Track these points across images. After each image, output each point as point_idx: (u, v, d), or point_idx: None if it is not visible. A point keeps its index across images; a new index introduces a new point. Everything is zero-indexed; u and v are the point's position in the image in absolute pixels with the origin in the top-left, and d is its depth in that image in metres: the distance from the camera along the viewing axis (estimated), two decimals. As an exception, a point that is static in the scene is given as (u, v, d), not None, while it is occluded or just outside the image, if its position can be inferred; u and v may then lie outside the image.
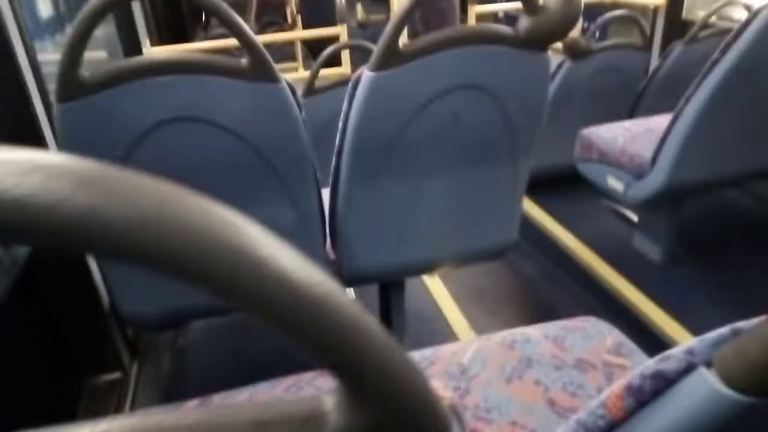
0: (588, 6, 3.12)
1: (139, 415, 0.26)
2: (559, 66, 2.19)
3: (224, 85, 1.07)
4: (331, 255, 1.40)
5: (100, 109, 1.02)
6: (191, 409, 0.27)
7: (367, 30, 5.19)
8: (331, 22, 6.44)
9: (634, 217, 2.16)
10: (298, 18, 4.52)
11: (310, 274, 0.22)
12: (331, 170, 1.29)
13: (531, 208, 2.35)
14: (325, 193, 1.33)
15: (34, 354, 1.38)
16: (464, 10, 4.23)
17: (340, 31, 2.88)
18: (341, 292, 0.23)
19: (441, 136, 1.22)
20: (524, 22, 1.12)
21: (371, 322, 0.23)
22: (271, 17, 5.59)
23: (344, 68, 2.96)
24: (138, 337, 1.68)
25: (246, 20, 5.52)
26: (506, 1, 3.31)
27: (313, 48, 4.98)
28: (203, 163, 1.13)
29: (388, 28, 1.08)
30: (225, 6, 1.06)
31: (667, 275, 1.91)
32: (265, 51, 1.07)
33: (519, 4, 1.16)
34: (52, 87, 1.16)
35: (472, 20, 3.31)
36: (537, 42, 1.14)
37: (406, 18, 1.09)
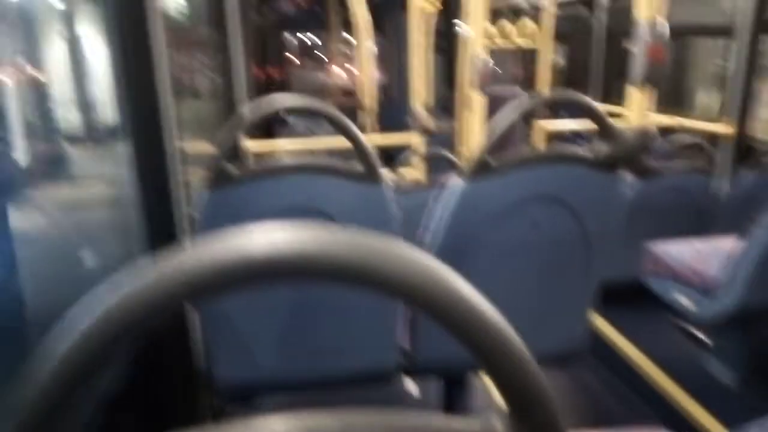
0: (657, 129, 3.28)
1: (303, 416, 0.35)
2: (628, 183, 2.32)
3: (339, 184, 1.25)
4: (403, 343, 1.49)
5: (239, 198, 1.22)
6: (361, 415, 0.37)
7: (435, 136, 5.54)
8: (401, 127, 6.88)
9: (704, 336, 2.14)
10: (375, 126, 4.91)
11: (506, 327, 0.34)
12: None
13: (598, 320, 2.36)
14: None
15: (122, 402, 1.49)
16: (528, 124, 4.50)
17: (414, 138, 3.14)
18: (520, 343, 0.35)
19: (519, 242, 1.34)
20: (600, 146, 1.27)
21: (535, 365, 0.35)
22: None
23: (417, 172, 3.19)
24: (223, 404, 1.77)
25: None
26: (570, 117, 3.53)
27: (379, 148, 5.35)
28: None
29: (484, 144, 1.25)
30: (342, 116, 1.28)
31: (741, 399, 1.86)
32: (375, 157, 1.26)
33: (586, 124, 1.32)
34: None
35: (539, 136, 3.54)
36: (611, 164, 1.28)
37: (502, 137, 1.25)
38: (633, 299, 2.25)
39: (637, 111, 1.22)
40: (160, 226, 1.34)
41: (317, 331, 1.35)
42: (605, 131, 1.25)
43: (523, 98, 1.27)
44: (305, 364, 1.40)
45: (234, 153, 1.21)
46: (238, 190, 1.22)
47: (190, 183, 1.46)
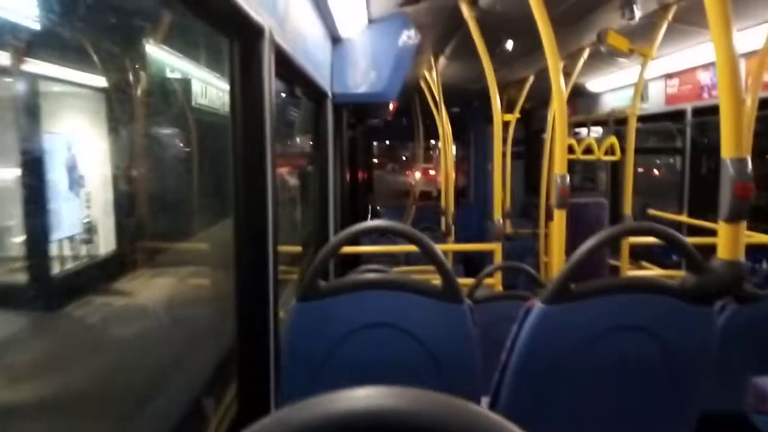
0: (755, 247, 3.10)
1: None
2: (723, 308, 2.18)
3: (419, 300, 1.30)
4: None
5: (325, 310, 1.30)
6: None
7: (514, 242, 5.53)
8: (477, 230, 6.86)
9: None
10: (453, 228, 4.99)
11: None
12: (493, 383, 1.40)
13: None
14: (484, 401, 1.43)
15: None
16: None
17: (495, 248, 3.17)
18: None
19: (605, 372, 1.30)
20: (690, 279, 1.25)
21: None
22: (427, 224, 6.25)
23: (495, 281, 3.18)
24: None
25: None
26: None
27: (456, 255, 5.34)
28: (388, 361, 1.33)
29: (565, 268, 1.26)
30: (426, 237, 1.36)
31: None
32: (454, 276, 1.31)
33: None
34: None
35: (624, 250, 3.44)
36: (702, 298, 1.24)
37: (585, 260, 1.26)
38: None
39: (727, 245, 1.21)
40: (252, 326, 1.44)
41: None
42: (693, 264, 1.23)
43: (608, 229, 1.30)
44: None
45: (325, 270, 1.31)
46: (325, 303, 1.30)
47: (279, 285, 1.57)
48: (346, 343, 1.32)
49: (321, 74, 2.62)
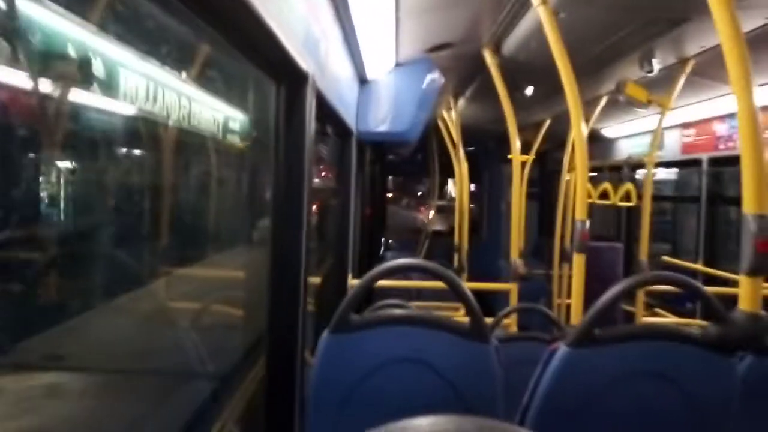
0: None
1: None
2: (741, 359, 2.19)
3: (446, 338, 1.35)
4: None
5: (353, 343, 1.35)
6: None
7: (528, 282, 5.53)
8: (490, 267, 6.85)
9: None
10: (466, 266, 5.02)
11: None
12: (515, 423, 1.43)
13: None
14: None
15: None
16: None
17: (512, 288, 3.20)
18: None
19: (624, 418, 1.32)
20: (712, 329, 1.28)
21: None
22: (439, 260, 6.28)
23: (511, 321, 3.20)
24: None
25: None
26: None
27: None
28: (413, 397, 1.36)
29: (591, 313, 1.30)
30: (457, 278, 1.41)
31: None
32: (482, 316, 1.35)
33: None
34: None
35: (640, 295, 3.46)
36: (724, 348, 1.27)
37: (609, 306, 1.30)
38: None
39: (748, 297, 1.25)
40: (282, 349, 1.48)
41: None
42: (716, 315, 1.27)
43: (635, 277, 1.34)
44: None
45: (359, 303, 1.36)
46: (355, 336, 1.34)
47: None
48: (373, 376, 1.36)
49: (348, 113, 2.72)
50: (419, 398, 1.36)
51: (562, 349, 1.33)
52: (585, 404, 1.31)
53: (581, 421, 1.32)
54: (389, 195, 11.04)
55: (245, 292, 2.03)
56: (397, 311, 1.39)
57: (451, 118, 4.79)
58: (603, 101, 3.93)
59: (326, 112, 2.14)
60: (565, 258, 4.70)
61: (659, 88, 3.24)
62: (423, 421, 0.43)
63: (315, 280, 3.27)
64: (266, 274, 1.54)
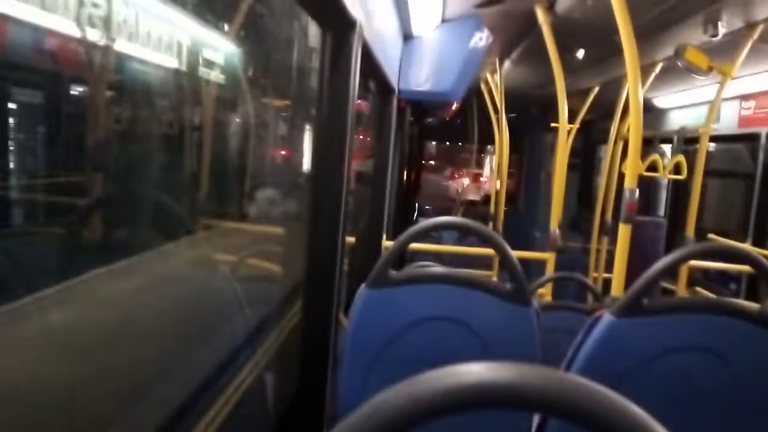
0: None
1: None
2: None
3: (486, 299, 1.32)
4: None
5: (391, 298, 1.34)
6: None
7: (563, 255, 5.44)
8: (525, 239, 6.77)
9: None
10: (501, 234, 4.96)
11: None
12: None
13: None
14: (535, 419, 1.43)
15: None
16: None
17: (549, 257, 3.13)
18: None
19: (666, 391, 1.28)
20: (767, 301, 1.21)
21: None
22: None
23: (546, 290, 3.15)
24: None
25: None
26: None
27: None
28: (447, 355, 1.34)
29: (641, 281, 1.24)
30: (500, 237, 1.37)
31: None
32: (524, 278, 1.32)
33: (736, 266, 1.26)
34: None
35: (683, 273, 3.35)
36: (781, 324, 1.21)
37: (660, 277, 1.25)
38: None
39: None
40: (320, 300, 1.48)
41: None
42: None
43: (691, 246, 1.27)
44: None
45: (397, 259, 1.34)
46: (393, 292, 1.33)
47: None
48: (408, 332, 1.35)
49: (391, 69, 2.65)
50: (455, 357, 1.34)
51: (606, 317, 1.29)
52: (627, 375, 1.27)
53: (621, 391, 1.28)
54: (424, 163, 10.93)
55: (283, 246, 2.05)
56: (438, 268, 1.37)
57: (495, 81, 4.64)
58: (658, 68, 3.73)
59: (370, 66, 2.08)
60: (605, 231, 4.57)
61: (721, 55, 3.04)
62: (474, 367, 0.40)
63: (350, 239, 3.28)
64: (304, 227, 1.53)
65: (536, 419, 1.41)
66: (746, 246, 3.82)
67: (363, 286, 1.35)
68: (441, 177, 11.13)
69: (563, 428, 1.28)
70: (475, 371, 0.38)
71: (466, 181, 8.01)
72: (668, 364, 1.25)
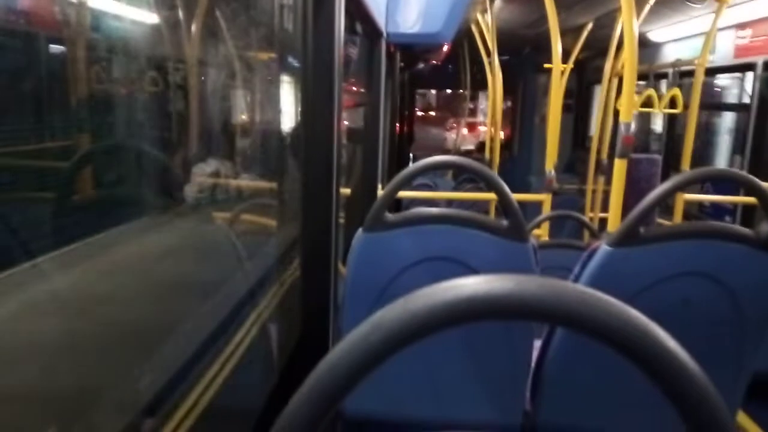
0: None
1: None
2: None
3: (483, 237, 1.32)
4: (526, 405, 1.49)
5: (388, 241, 1.33)
6: None
7: (559, 197, 5.45)
8: (522, 185, 6.76)
9: None
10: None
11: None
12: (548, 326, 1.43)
13: (742, 418, 2.13)
14: (537, 343, 1.46)
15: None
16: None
17: (545, 199, 3.14)
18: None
19: (667, 320, 1.30)
20: (765, 227, 1.22)
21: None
22: (470, 174, 6.20)
23: (543, 232, 3.16)
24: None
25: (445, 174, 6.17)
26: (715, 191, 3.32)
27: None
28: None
29: (638, 210, 1.24)
30: (495, 174, 1.36)
31: None
32: (521, 215, 1.31)
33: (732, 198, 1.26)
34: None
35: (678, 207, 3.36)
36: (777, 247, 1.21)
37: (655, 205, 1.24)
38: None
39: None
40: (318, 250, 1.49)
41: (451, 379, 1.40)
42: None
43: (688, 173, 1.27)
44: (431, 405, 1.44)
45: (392, 201, 1.33)
46: (390, 235, 1.33)
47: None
48: (406, 274, 1.35)
49: (378, 11, 2.56)
50: None
51: (603, 248, 1.29)
52: (625, 303, 1.28)
53: None
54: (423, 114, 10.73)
55: (278, 200, 2.03)
56: (433, 209, 1.36)
57: (486, 22, 4.51)
58: (652, 0, 3.62)
59: (355, 8, 2.01)
60: (601, 170, 4.57)
61: (717, -19, 2.95)
62: (470, 280, 0.39)
63: (345, 190, 3.26)
64: (299, 179, 1.51)
65: (540, 339, 1.44)
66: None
67: (360, 230, 1.35)
68: (439, 128, 10.99)
69: (568, 341, 1.31)
70: (471, 283, 0.38)
71: (465, 131, 7.93)
72: (666, 291, 1.26)
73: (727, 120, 4.65)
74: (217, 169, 1.51)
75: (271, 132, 2.15)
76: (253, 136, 2.15)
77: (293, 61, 1.97)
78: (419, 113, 11.80)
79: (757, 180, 1.23)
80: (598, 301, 0.37)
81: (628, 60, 2.00)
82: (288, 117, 2.10)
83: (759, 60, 3.75)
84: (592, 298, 0.37)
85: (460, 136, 8.87)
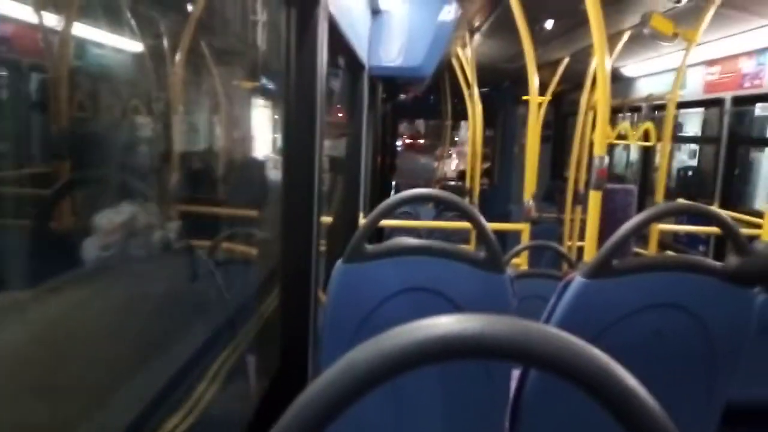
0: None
1: None
2: (758, 293, 2.17)
3: (461, 268, 1.34)
4: None
5: (367, 272, 1.34)
6: None
7: (538, 226, 5.53)
8: (502, 213, 6.84)
9: None
10: (477, 208, 5.00)
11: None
12: None
13: None
14: (515, 372, 1.47)
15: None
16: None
17: (524, 228, 3.18)
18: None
19: (640, 351, 1.32)
20: (733, 260, 1.26)
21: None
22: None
23: (522, 261, 3.20)
24: None
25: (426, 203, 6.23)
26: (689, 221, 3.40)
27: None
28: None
29: (611, 242, 1.27)
30: (472, 208, 1.38)
31: None
32: (498, 246, 1.34)
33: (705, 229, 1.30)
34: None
35: (653, 237, 3.43)
36: (745, 280, 1.25)
37: (629, 237, 1.27)
38: (762, 424, 2.05)
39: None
40: (297, 280, 1.49)
41: (429, 411, 1.39)
42: (738, 246, 1.24)
43: (660, 206, 1.31)
44: None
45: (372, 233, 1.35)
46: (369, 266, 1.34)
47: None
48: (386, 305, 1.36)
49: (360, 45, 2.62)
50: None
51: (577, 279, 1.32)
52: (600, 335, 1.30)
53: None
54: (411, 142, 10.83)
55: (258, 229, 2.03)
56: (412, 240, 1.38)
57: (466, 55, 4.63)
58: (625, 37, 3.77)
59: (337, 42, 2.05)
60: (578, 200, 4.66)
61: (685, 21, 3.09)
62: (442, 320, 0.41)
63: (326, 219, 3.27)
64: (279, 209, 1.52)
65: (515, 375, 1.45)
66: (712, 208, 3.93)
67: (339, 261, 1.36)
68: (427, 156, 11.08)
69: (542, 382, 1.32)
70: (443, 323, 0.39)
71: (444, 160, 8.05)
72: (639, 323, 1.28)
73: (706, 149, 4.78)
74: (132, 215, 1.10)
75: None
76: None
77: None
78: (408, 141, 11.92)
79: (722, 214, 1.27)
80: (560, 341, 0.39)
81: (601, 96, 2.07)
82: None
83: (727, 95, 3.90)
84: (556, 338, 0.39)
85: (442, 165, 8.97)
